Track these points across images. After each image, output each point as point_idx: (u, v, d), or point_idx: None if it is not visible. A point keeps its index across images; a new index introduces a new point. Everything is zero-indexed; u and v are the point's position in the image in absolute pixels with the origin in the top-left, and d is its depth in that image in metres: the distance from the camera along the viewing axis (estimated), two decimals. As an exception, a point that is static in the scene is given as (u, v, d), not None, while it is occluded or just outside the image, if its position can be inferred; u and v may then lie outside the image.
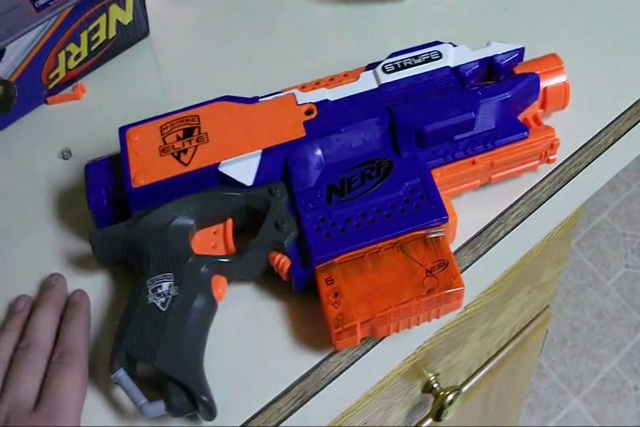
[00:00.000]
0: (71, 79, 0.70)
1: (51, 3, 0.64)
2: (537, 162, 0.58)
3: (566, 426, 1.73)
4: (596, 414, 1.75)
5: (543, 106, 0.60)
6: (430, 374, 0.79)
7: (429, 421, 0.89)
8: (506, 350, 0.95)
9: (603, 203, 2.02)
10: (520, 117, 0.58)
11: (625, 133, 0.63)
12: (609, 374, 1.79)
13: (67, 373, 0.51)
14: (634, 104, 0.64)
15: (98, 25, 0.68)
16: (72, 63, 0.69)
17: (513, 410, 1.30)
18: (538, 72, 0.59)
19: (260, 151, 0.56)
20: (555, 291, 1.00)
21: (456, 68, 0.58)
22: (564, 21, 0.70)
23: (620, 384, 1.78)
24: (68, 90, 0.70)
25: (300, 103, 0.58)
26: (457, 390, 0.79)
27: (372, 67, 0.59)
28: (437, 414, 0.80)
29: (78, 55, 0.69)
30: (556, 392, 1.78)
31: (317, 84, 0.59)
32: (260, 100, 0.59)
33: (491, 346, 0.91)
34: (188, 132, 0.57)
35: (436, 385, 0.79)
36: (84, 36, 0.67)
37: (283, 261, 0.53)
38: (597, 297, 1.89)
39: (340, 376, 0.53)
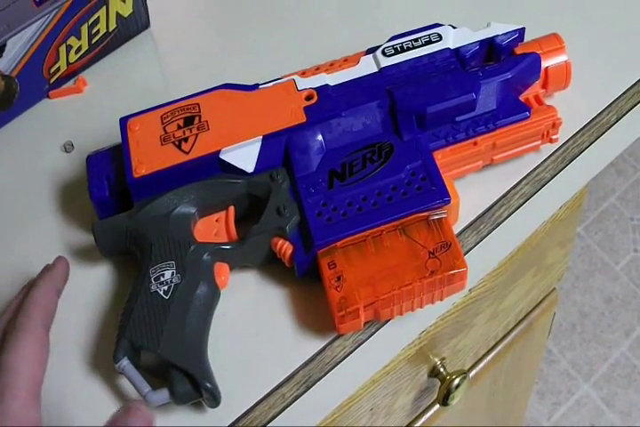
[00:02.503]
0: (72, 73, 0.70)
1: (50, -4, 0.64)
2: (539, 142, 0.58)
3: (577, 411, 1.73)
4: (607, 400, 1.75)
5: (545, 86, 0.60)
6: (436, 359, 0.79)
7: (437, 406, 0.89)
8: (513, 334, 0.95)
9: (610, 187, 2.01)
10: (521, 98, 0.58)
11: (628, 112, 0.63)
12: (619, 360, 1.79)
13: (17, 344, 0.47)
14: (636, 82, 0.64)
15: (98, 18, 0.68)
16: (73, 57, 0.69)
17: (522, 395, 1.30)
18: (539, 52, 0.58)
19: (261, 138, 0.56)
20: (561, 273, 1.00)
21: (456, 49, 0.58)
22: (565, 1, 0.70)
23: (631, 369, 1.78)
24: (69, 83, 0.70)
25: (300, 89, 0.57)
26: (463, 373, 0.79)
27: (371, 51, 0.59)
28: (444, 399, 0.80)
29: (79, 48, 0.68)
30: (565, 378, 1.78)
31: (317, 70, 0.59)
32: (260, 86, 0.58)
33: (497, 330, 0.91)
34: (188, 121, 0.57)
35: (442, 370, 0.79)
36: (84, 29, 0.67)
37: (285, 247, 0.53)
38: (606, 282, 1.89)
39: (345, 361, 0.53)
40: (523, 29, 0.59)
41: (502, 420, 1.26)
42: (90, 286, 0.57)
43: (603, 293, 1.88)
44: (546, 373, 1.77)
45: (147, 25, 0.73)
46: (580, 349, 1.81)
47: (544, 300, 0.98)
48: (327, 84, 0.57)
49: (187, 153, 0.56)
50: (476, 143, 0.56)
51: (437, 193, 0.53)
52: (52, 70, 0.68)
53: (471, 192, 0.57)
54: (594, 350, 1.81)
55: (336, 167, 0.55)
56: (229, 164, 0.55)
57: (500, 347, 0.94)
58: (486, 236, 0.57)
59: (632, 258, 1.91)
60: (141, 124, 0.57)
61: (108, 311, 0.56)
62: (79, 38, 0.68)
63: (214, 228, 0.56)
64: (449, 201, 0.53)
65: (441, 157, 0.55)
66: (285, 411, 0.51)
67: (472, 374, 0.91)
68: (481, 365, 0.93)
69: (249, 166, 0.55)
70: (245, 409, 0.51)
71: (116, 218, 0.56)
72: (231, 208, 0.56)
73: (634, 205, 1.98)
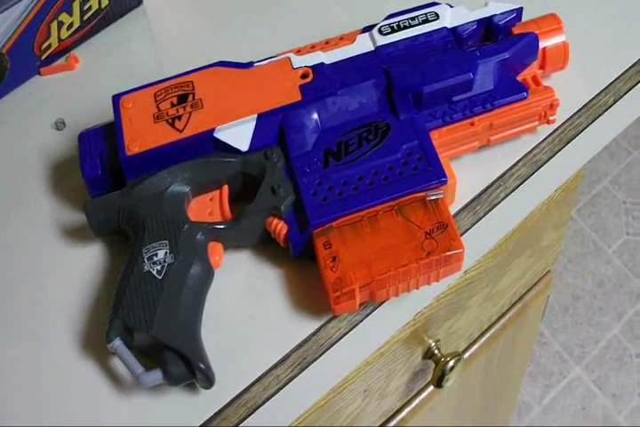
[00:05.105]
0: (64, 49, 0.69)
1: (41, -29, 0.63)
2: (536, 123, 0.58)
3: (568, 394, 1.74)
4: (598, 382, 1.76)
5: (542, 66, 0.59)
6: (431, 341, 0.79)
7: (430, 388, 0.89)
8: (507, 316, 0.95)
9: (603, 170, 2.01)
10: (519, 78, 0.58)
11: (625, 94, 0.62)
12: (610, 342, 1.80)
13: None
14: (634, 64, 0.63)
15: (90, -7, 0.67)
16: (64, 33, 0.68)
17: (515, 377, 1.30)
18: (536, 32, 0.58)
19: (256, 116, 0.55)
20: (556, 256, 1.00)
21: (453, 28, 0.58)
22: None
23: (622, 352, 1.79)
24: (61, 60, 0.70)
25: (295, 67, 0.57)
26: (458, 355, 0.79)
27: (368, 29, 0.59)
28: (438, 381, 0.80)
29: (70, 25, 0.68)
30: (557, 361, 1.79)
31: (313, 48, 0.58)
32: (255, 64, 0.58)
33: (492, 312, 0.91)
34: (182, 99, 0.56)
35: (436, 351, 0.79)
36: (75, 5, 0.66)
37: (280, 227, 0.53)
38: (599, 265, 1.89)
39: (340, 342, 0.53)
40: (520, 9, 0.59)
41: (495, 402, 1.27)
42: (82, 266, 0.57)
43: (595, 276, 1.88)
44: (538, 355, 1.78)
45: (139, 1, 0.72)
46: (572, 331, 1.82)
47: (538, 282, 0.98)
48: (323, 63, 0.57)
49: (180, 131, 0.55)
50: (472, 123, 0.56)
51: (434, 173, 0.52)
52: (44, 47, 0.67)
53: (468, 173, 0.56)
54: (585, 333, 1.81)
55: (331, 146, 0.54)
56: (224, 142, 0.55)
57: (493, 329, 0.94)
58: (482, 217, 0.57)
59: (624, 241, 1.92)
60: (134, 102, 0.57)
61: (100, 291, 0.56)
62: (71, 14, 0.67)
63: (208, 207, 0.55)
64: (445, 181, 0.52)
65: (437, 137, 0.55)
66: (280, 392, 0.51)
67: (466, 356, 0.91)
68: (475, 347, 0.93)
69: (243, 145, 0.55)
70: (239, 391, 0.51)
71: (108, 197, 0.55)
72: (225, 187, 0.56)
73: (626, 189, 1.99)
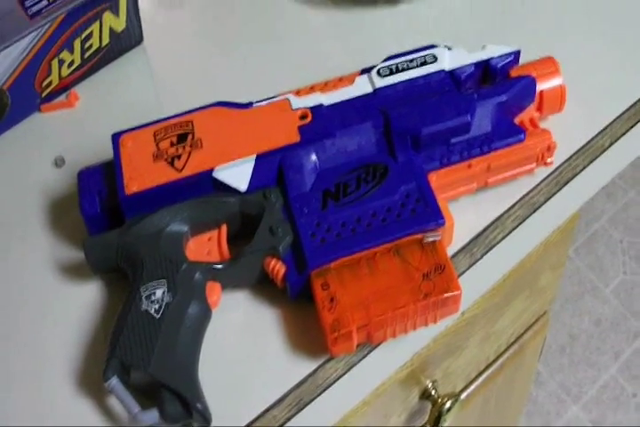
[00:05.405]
0: (65, 87, 0.70)
1: (44, 10, 0.64)
2: (534, 165, 0.58)
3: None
4: (596, 422, 1.74)
5: (539, 109, 0.60)
6: (428, 381, 0.78)
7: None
8: (504, 357, 0.95)
9: (600, 209, 2.02)
10: (516, 120, 0.58)
11: (621, 136, 0.63)
12: (608, 382, 1.79)
13: None
14: (630, 107, 0.64)
15: (91, 32, 0.67)
16: (65, 71, 0.68)
17: (512, 418, 1.30)
18: (534, 75, 0.58)
19: (255, 156, 0.55)
20: (553, 296, 0.99)
21: (452, 71, 0.58)
22: (560, 24, 0.70)
23: (620, 391, 1.77)
24: (61, 97, 0.70)
25: (294, 108, 0.57)
26: (455, 396, 0.79)
27: (366, 71, 0.59)
28: (435, 422, 0.79)
29: (71, 63, 0.68)
30: (555, 400, 1.77)
31: (312, 89, 0.59)
32: (254, 105, 0.58)
33: (489, 352, 0.90)
34: (181, 138, 0.57)
35: (433, 392, 0.79)
36: (77, 43, 0.67)
37: (278, 267, 0.53)
38: (596, 304, 1.89)
39: (337, 383, 0.52)
40: (518, 52, 0.59)
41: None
42: (80, 303, 0.57)
43: (592, 315, 1.87)
44: (535, 394, 1.77)
45: (140, 40, 0.73)
46: (570, 371, 1.81)
47: (536, 323, 0.98)
48: (322, 104, 0.57)
49: (179, 170, 0.55)
50: (470, 165, 0.56)
51: (432, 215, 0.52)
52: (44, 84, 0.68)
53: (465, 214, 0.57)
54: (583, 373, 1.80)
55: (330, 187, 0.55)
56: (222, 182, 0.55)
57: (491, 369, 0.93)
58: (480, 258, 0.57)
59: (621, 280, 1.91)
60: (134, 141, 0.57)
61: (98, 329, 0.55)
62: (72, 52, 0.67)
63: (206, 246, 0.55)
64: (443, 223, 0.52)
65: (435, 179, 0.55)
66: (276, 433, 0.51)
67: (463, 396, 0.91)
68: (472, 387, 0.92)
69: (242, 185, 0.55)
70: (236, 431, 0.50)
71: (106, 235, 0.55)
72: (224, 227, 0.56)
73: (623, 228, 1.99)
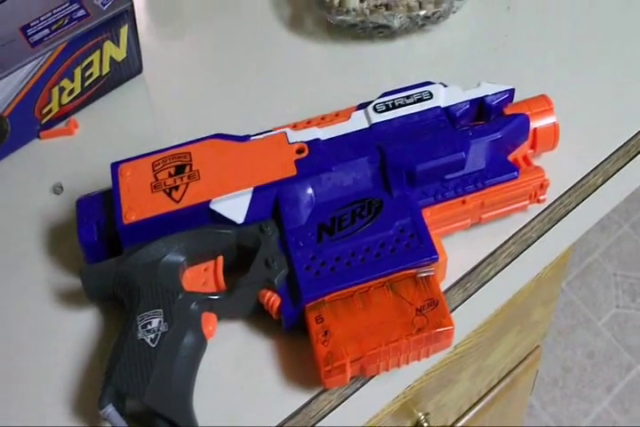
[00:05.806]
0: (64, 114, 0.70)
1: (45, 38, 0.64)
2: (527, 202, 0.58)
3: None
4: (588, 455, 1.73)
5: (533, 146, 0.61)
6: (420, 414, 0.78)
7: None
8: (496, 390, 0.95)
9: (594, 243, 2.02)
10: (510, 158, 0.59)
11: (614, 174, 0.63)
12: (600, 415, 1.78)
13: None
14: (622, 145, 0.65)
15: (92, 61, 0.68)
16: (65, 99, 0.69)
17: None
18: (528, 113, 0.59)
19: (252, 189, 0.56)
20: (545, 330, 1.00)
21: (447, 108, 0.59)
22: (554, 63, 0.71)
23: (612, 425, 1.76)
24: (61, 125, 0.71)
25: (291, 142, 0.58)
26: (447, 430, 0.79)
27: (363, 106, 0.60)
28: (427, 455, 0.79)
29: (72, 91, 0.69)
30: (547, 433, 1.76)
31: (309, 124, 0.59)
32: (252, 138, 0.59)
33: (481, 386, 0.90)
34: (179, 169, 0.57)
35: (426, 425, 0.79)
36: (77, 71, 0.68)
37: (273, 299, 0.53)
38: (588, 337, 1.88)
39: (330, 415, 0.53)
40: (512, 90, 0.60)
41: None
42: (76, 331, 0.57)
43: (585, 348, 1.87)
44: (527, 427, 1.76)
45: (139, 70, 0.74)
46: (562, 404, 1.80)
47: (528, 357, 0.98)
48: (318, 139, 0.58)
49: (177, 201, 0.56)
50: (464, 202, 0.56)
51: (425, 250, 0.53)
52: (44, 111, 0.68)
53: (459, 250, 0.57)
54: (575, 405, 1.80)
55: (325, 221, 0.55)
56: (219, 214, 0.55)
57: (483, 403, 0.93)
58: (473, 294, 0.57)
59: (614, 314, 1.91)
60: (133, 171, 0.58)
61: (93, 357, 0.56)
62: (72, 81, 0.68)
63: (203, 277, 0.56)
64: (437, 259, 0.53)
65: (430, 215, 0.56)
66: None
67: (454, 428, 0.91)
68: (464, 420, 0.92)
69: (239, 217, 0.56)
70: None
71: (104, 263, 0.56)
72: (220, 258, 0.56)
73: (617, 262, 1.99)
